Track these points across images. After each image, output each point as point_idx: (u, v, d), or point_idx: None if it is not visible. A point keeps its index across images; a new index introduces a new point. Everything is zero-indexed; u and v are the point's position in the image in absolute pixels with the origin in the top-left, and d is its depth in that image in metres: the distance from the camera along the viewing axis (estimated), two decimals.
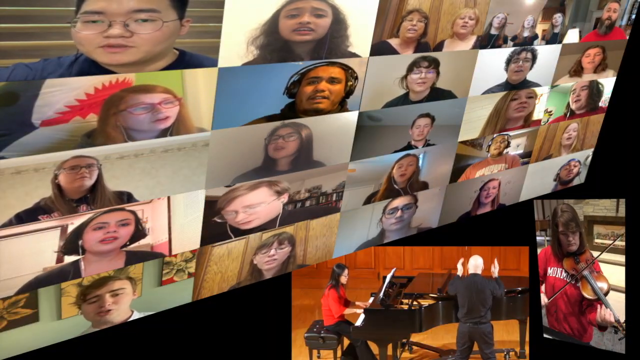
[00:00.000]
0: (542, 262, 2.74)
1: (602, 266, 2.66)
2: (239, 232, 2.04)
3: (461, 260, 2.57)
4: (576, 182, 3.39)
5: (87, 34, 1.41)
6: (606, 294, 2.57)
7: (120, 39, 1.45)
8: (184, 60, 1.61)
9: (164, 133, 1.67)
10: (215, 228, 1.95)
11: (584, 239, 2.68)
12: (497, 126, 2.70)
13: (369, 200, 2.40)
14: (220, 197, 1.92)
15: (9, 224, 1.53)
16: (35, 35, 1.37)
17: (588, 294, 2.59)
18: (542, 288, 2.73)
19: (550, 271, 2.72)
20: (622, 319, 2.57)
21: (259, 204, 2.03)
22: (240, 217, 2.00)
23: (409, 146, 2.42)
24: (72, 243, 1.67)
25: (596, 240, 2.73)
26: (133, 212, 1.75)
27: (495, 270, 2.56)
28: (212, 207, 1.91)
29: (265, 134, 1.93)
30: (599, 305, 2.58)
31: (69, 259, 1.69)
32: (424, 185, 2.59)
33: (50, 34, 1.38)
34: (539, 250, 2.80)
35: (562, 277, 2.68)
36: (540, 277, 2.74)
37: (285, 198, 2.08)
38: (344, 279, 2.55)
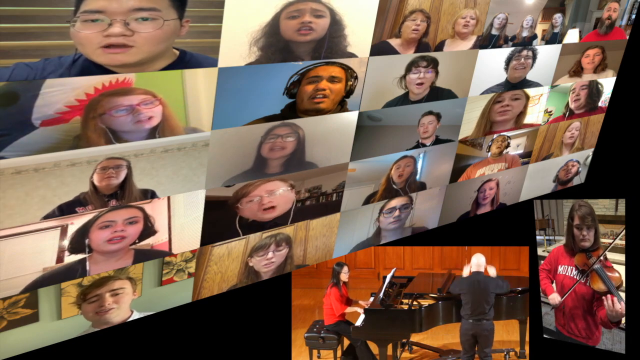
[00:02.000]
0: (553, 260, 2.74)
1: None
2: (255, 226, 2.05)
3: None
4: (576, 182, 3.39)
5: (87, 33, 1.41)
6: (618, 287, 2.57)
7: (121, 37, 1.45)
8: (184, 60, 1.61)
9: (152, 133, 1.67)
10: (230, 219, 1.99)
11: (599, 237, 2.68)
12: (485, 128, 2.69)
13: (368, 200, 2.40)
14: (239, 189, 1.95)
15: (52, 215, 1.58)
16: (35, 35, 1.37)
17: (598, 287, 2.58)
18: (553, 287, 2.72)
19: (560, 269, 2.71)
20: None
21: (278, 189, 2.05)
22: (265, 201, 2.02)
23: (418, 145, 2.43)
24: (78, 242, 1.68)
25: None
26: (142, 209, 1.75)
27: (492, 271, 2.55)
28: (235, 195, 1.96)
29: (261, 134, 1.93)
30: (609, 298, 2.56)
31: (74, 257, 1.69)
32: (422, 186, 2.59)
33: (50, 34, 1.38)
34: (540, 250, 2.80)
35: (572, 275, 2.67)
36: (551, 276, 2.73)
37: (294, 193, 2.09)
38: (344, 276, 2.55)
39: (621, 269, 2.64)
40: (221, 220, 1.97)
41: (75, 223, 1.65)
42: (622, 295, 2.57)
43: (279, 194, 2.06)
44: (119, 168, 1.66)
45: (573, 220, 2.69)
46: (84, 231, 1.68)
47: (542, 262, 2.76)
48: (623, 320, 2.56)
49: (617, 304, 2.53)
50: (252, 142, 1.92)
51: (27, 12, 1.34)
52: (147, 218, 1.77)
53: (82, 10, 1.38)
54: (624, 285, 2.59)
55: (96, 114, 1.55)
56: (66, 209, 1.61)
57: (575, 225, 2.68)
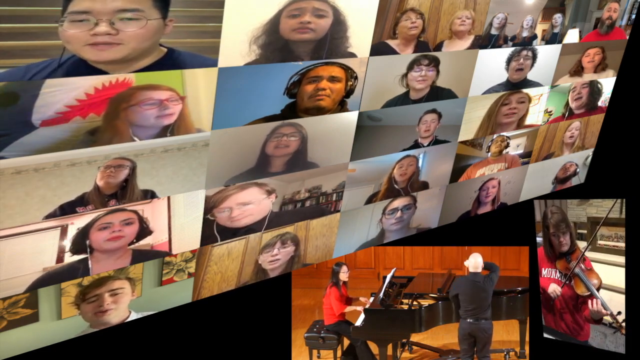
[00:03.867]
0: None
1: (602, 267, 2.67)
2: (228, 232, 2.02)
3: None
4: (576, 182, 3.39)
5: (74, 32, 1.42)
6: (598, 289, 2.59)
7: (106, 36, 1.47)
8: (171, 58, 1.61)
9: (164, 131, 1.68)
10: (207, 227, 1.96)
11: (574, 238, 2.70)
12: (489, 130, 2.70)
13: (370, 200, 2.40)
14: (212, 196, 1.92)
15: (54, 214, 1.59)
16: (24, 35, 1.37)
17: (581, 292, 2.60)
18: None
19: (544, 272, 2.73)
20: (621, 316, 2.57)
21: (250, 201, 2.03)
22: (235, 213, 2.00)
23: (416, 144, 2.43)
24: (79, 243, 1.69)
25: (600, 242, 2.72)
26: (135, 212, 1.76)
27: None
28: (205, 205, 1.93)
29: (266, 133, 1.93)
30: (591, 300, 2.59)
31: (76, 257, 1.70)
32: (424, 185, 2.59)
33: (40, 34, 1.38)
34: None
35: (556, 277, 2.69)
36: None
37: (273, 198, 2.09)
38: (343, 276, 2.55)
39: (621, 270, 2.64)
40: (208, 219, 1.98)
41: (75, 223, 1.65)
42: (621, 296, 2.58)
43: (251, 206, 2.03)
44: (120, 168, 1.67)
45: (548, 229, 2.70)
46: (84, 233, 1.69)
47: None
48: (604, 318, 2.58)
49: (599, 306, 2.55)
50: (254, 141, 1.91)
51: (15, 12, 1.34)
52: (141, 219, 1.79)
53: (69, 11, 1.40)
54: (624, 287, 2.61)
55: (128, 105, 1.58)
56: (68, 208, 1.62)
57: (551, 233, 2.69)
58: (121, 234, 1.76)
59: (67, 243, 1.67)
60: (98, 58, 1.49)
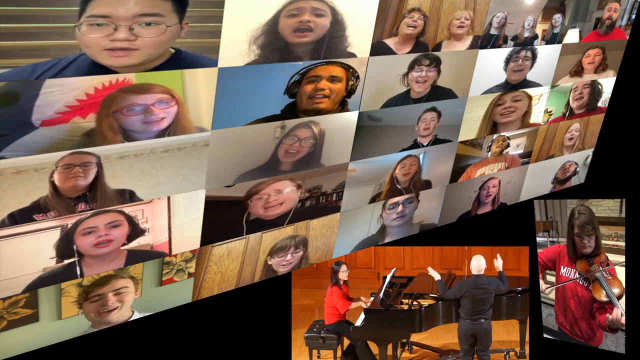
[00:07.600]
0: (553, 256, 2.73)
1: None
2: (256, 224, 2.05)
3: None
4: (575, 182, 3.39)
5: (93, 37, 1.42)
6: (619, 297, 2.56)
7: (125, 42, 1.46)
8: (179, 58, 1.61)
9: (162, 133, 1.67)
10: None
11: (600, 241, 2.66)
12: (489, 130, 2.69)
13: (373, 200, 2.40)
14: (253, 187, 1.99)
15: (1, 224, 1.51)
16: (37, 35, 1.37)
17: (599, 297, 2.58)
18: (553, 280, 2.72)
19: (563, 271, 2.71)
20: None
21: (285, 190, 2.08)
22: (271, 199, 2.05)
23: (415, 144, 2.43)
24: (65, 249, 1.65)
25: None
26: (121, 212, 1.71)
27: (499, 265, 2.54)
28: (248, 192, 2.00)
29: (272, 133, 1.93)
30: (610, 308, 2.57)
31: (68, 261, 1.69)
32: (427, 184, 2.59)
33: (53, 34, 1.38)
34: (542, 249, 2.80)
35: (574, 278, 2.67)
36: (551, 269, 2.72)
37: (300, 192, 2.11)
38: (342, 275, 2.55)
39: (621, 270, 2.64)
40: (227, 217, 1.98)
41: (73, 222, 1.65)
42: (622, 303, 2.57)
43: (285, 193, 2.08)
44: (88, 166, 1.55)
45: (573, 228, 2.68)
46: (68, 238, 1.64)
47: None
48: (623, 325, 2.56)
49: (618, 315, 2.52)
50: (254, 141, 1.91)
51: (29, 12, 1.34)
52: (130, 219, 1.73)
53: (87, 15, 1.39)
54: (624, 287, 2.59)
55: (110, 111, 1.54)
56: (20, 218, 1.51)
57: (575, 234, 2.67)
58: (109, 238, 1.70)
59: (54, 249, 1.63)
60: (114, 64, 1.48)
